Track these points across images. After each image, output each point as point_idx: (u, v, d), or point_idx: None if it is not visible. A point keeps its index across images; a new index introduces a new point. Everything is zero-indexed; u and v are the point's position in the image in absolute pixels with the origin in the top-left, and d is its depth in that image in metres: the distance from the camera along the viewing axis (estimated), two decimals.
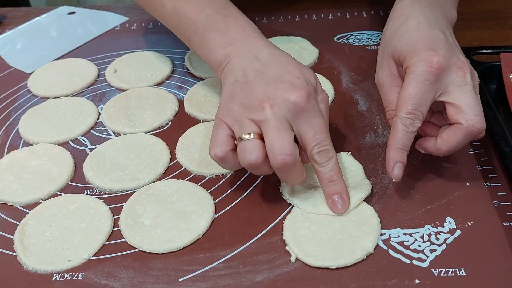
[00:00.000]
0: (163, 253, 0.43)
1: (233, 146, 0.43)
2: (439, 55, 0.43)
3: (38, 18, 0.78)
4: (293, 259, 0.41)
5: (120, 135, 0.55)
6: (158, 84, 0.63)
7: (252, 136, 0.41)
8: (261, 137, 0.42)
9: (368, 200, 0.45)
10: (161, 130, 0.56)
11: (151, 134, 0.55)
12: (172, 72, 0.65)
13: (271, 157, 0.41)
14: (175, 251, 0.43)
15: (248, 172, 0.50)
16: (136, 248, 0.43)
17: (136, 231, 0.44)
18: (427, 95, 0.43)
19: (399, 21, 0.47)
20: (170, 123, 0.57)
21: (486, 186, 0.46)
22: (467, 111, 0.43)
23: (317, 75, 0.55)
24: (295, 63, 0.46)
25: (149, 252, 0.43)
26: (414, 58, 0.44)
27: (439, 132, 0.46)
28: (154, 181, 0.49)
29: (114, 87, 0.63)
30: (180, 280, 0.41)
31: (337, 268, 0.40)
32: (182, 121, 0.57)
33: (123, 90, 0.62)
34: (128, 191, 0.48)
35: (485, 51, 0.59)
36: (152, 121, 0.56)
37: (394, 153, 0.44)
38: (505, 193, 0.45)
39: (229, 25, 0.49)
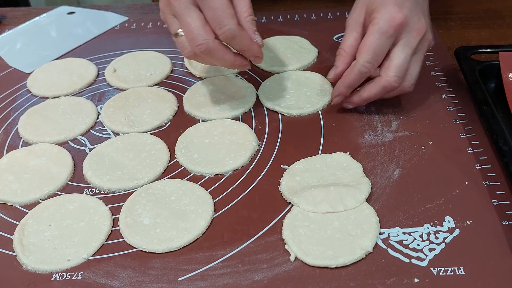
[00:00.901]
0: (162, 253, 0.43)
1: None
2: (402, 13, 0.48)
3: (37, 18, 0.78)
4: (292, 258, 0.42)
5: (119, 134, 0.55)
6: (157, 84, 0.63)
7: (181, 32, 0.48)
8: None
9: (367, 199, 0.45)
10: (160, 129, 0.56)
11: (150, 133, 0.55)
12: (172, 71, 0.65)
13: (192, 48, 0.47)
14: (174, 251, 0.43)
15: (248, 172, 0.50)
16: (135, 248, 0.43)
17: (135, 230, 0.44)
18: (384, 47, 0.49)
19: None
20: (169, 122, 0.57)
21: (485, 185, 0.46)
22: (392, 69, 0.49)
23: (318, 75, 0.61)
24: None
25: (148, 252, 0.43)
26: (382, 11, 0.49)
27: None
28: (153, 181, 0.49)
29: (113, 86, 0.63)
30: (179, 279, 0.41)
31: (336, 267, 0.40)
32: (182, 120, 0.57)
33: (123, 90, 0.62)
34: (128, 190, 0.49)
35: (484, 50, 0.59)
36: (151, 120, 0.56)
37: (342, 88, 0.52)
38: (504, 192, 0.45)
39: None
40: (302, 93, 0.58)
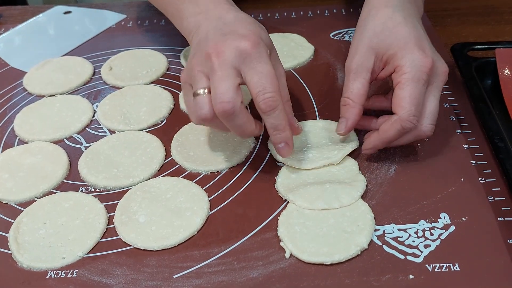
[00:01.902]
0: (157, 250, 0.43)
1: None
2: (429, 57, 0.45)
3: (35, 17, 0.78)
4: (287, 255, 0.41)
5: (115, 132, 0.55)
6: (153, 82, 0.62)
7: (204, 91, 0.43)
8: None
9: (362, 196, 0.45)
10: (156, 127, 0.56)
11: (146, 131, 0.55)
12: (168, 69, 0.64)
13: (214, 105, 0.42)
14: (169, 248, 0.43)
15: (243, 169, 0.50)
16: (130, 245, 0.43)
17: (130, 228, 0.44)
18: (422, 96, 0.44)
19: (383, 12, 0.48)
20: (165, 120, 0.57)
21: (481, 181, 0.46)
22: (428, 117, 0.45)
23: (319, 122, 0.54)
24: (256, 24, 0.46)
25: (144, 249, 0.43)
26: (408, 57, 0.45)
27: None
28: (149, 179, 0.49)
29: (109, 84, 0.63)
30: (174, 277, 0.41)
31: (332, 264, 0.40)
32: (177, 118, 0.56)
33: (119, 88, 0.61)
34: (123, 188, 0.48)
35: (480, 46, 0.59)
36: (147, 118, 0.56)
37: (378, 143, 0.47)
38: (499, 188, 0.45)
39: None
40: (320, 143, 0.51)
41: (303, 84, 0.61)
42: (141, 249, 0.43)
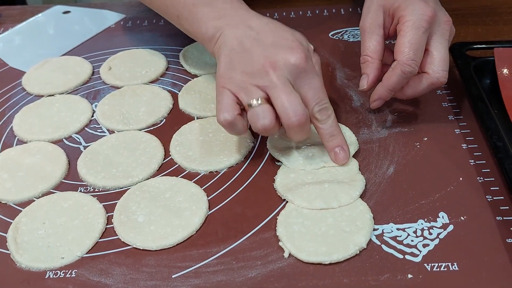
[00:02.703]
0: (156, 250, 0.43)
1: (239, 111, 0.45)
2: (431, 6, 0.47)
3: (34, 17, 0.78)
4: (286, 254, 0.41)
5: (114, 132, 0.55)
6: (152, 82, 0.62)
7: (260, 101, 0.43)
8: (268, 101, 0.44)
9: (361, 195, 0.45)
10: (155, 127, 0.56)
11: (145, 131, 0.55)
12: (167, 69, 0.64)
13: (286, 119, 0.43)
14: (168, 248, 0.43)
15: (242, 169, 0.50)
16: (129, 245, 0.43)
17: (129, 228, 0.44)
18: (423, 43, 0.47)
19: None
20: (164, 120, 0.57)
21: (479, 180, 0.46)
22: (438, 64, 0.48)
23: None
24: (286, 28, 0.48)
25: (143, 249, 0.43)
26: (410, 7, 0.47)
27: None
28: (148, 178, 0.49)
29: (108, 84, 0.63)
30: (173, 276, 0.41)
31: (330, 264, 0.40)
32: (176, 118, 0.56)
33: (118, 88, 0.61)
34: (122, 188, 0.48)
35: (479, 46, 0.59)
36: (146, 118, 0.56)
37: (383, 91, 0.49)
38: (498, 188, 0.45)
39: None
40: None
41: None
42: (140, 249, 0.43)
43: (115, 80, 0.62)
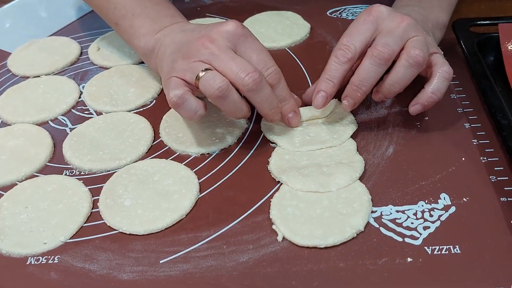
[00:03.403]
0: (143, 234, 0.41)
1: (189, 89, 0.43)
2: (382, 6, 0.45)
3: None
4: (279, 238, 0.40)
5: (102, 114, 0.53)
6: (142, 62, 0.60)
7: (208, 70, 0.42)
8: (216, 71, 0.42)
9: (359, 177, 0.43)
10: (144, 108, 0.54)
11: (134, 112, 0.53)
12: None
13: (239, 82, 0.41)
14: (156, 232, 0.41)
15: (235, 151, 0.48)
16: (115, 230, 0.41)
17: (115, 212, 0.42)
18: (362, 31, 0.44)
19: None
20: (154, 101, 0.54)
21: (483, 160, 0.44)
22: (377, 40, 0.44)
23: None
24: None
25: (129, 234, 0.41)
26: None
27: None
28: (136, 161, 0.47)
29: (97, 65, 0.60)
30: (161, 261, 0.39)
31: (326, 247, 0.38)
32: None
33: (106, 68, 0.59)
34: (109, 171, 0.46)
35: (483, 22, 0.56)
36: (135, 99, 0.54)
37: (320, 82, 0.45)
38: (502, 168, 0.43)
39: (159, 13, 0.50)
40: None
41: (299, 62, 0.58)
42: (126, 234, 0.41)
43: (103, 61, 0.60)
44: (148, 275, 0.38)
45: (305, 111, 0.48)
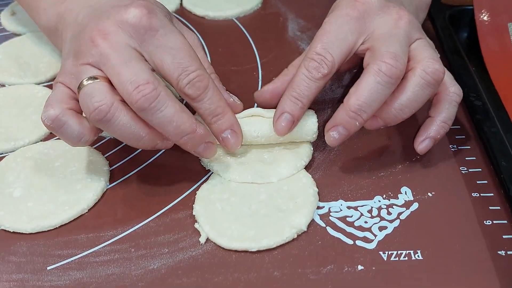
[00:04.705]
0: (31, 233, 0.33)
1: (73, 105, 0.32)
2: None
3: None
4: (202, 239, 0.32)
5: (4, 86, 0.44)
6: None
7: (92, 80, 0.31)
8: (108, 80, 0.31)
9: (305, 166, 0.36)
10: None
11: (44, 85, 0.44)
12: None
13: (127, 97, 0.30)
14: (48, 231, 0.33)
15: None
16: None
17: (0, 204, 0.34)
18: (345, 34, 0.34)
19: None
20: None
21: (452, 149, 0.37)
22: (380, 49, 0.33)
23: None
24: None
25: (13, 232, 0.33)
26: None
27: None
28: (37, 142, 0.38)
29: (9, 31, 0.51)
30: (48, 268, 0.31)
31: (258, 251, 0.31)
32: None
33: (20, 35, 0.50)
34: (2, 154, 0.38)
35: None
36: (48, 70, 0.45)
37: (285, 101, 0.34)
38: (474, 158, 0.36)
39: None
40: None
41: (247, 35, 0.51)
42: (9, 232, 0.33)
43: (17, 27, 0.51)
44: (30, 285, 0.30)
45: (251, 129, 0.36)
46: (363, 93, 0.32)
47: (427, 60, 0.33)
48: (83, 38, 0.32)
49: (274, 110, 0.36)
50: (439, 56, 0.34)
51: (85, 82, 0.31)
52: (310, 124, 0.36)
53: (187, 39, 0.33)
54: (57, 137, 0.39)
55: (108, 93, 0.31)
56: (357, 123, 0.33)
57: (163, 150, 0.38)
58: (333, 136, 0.33)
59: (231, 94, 0.37)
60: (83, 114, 0.32)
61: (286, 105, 0.34)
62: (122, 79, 0.30)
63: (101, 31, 0.31)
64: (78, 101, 0.32)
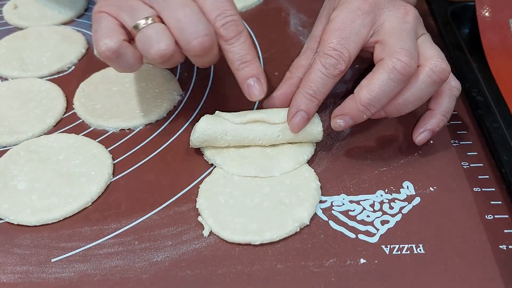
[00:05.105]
0: (36, 226, 0.33)
1: (126, 36, 0.33)
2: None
3: None
4: (205, 232, 0.32)
5: (8, 80, 0.44)
6: (66, 23, 0.51)
7: (150, 20, 0.32)
8: (161, 20, 0.33)
9: (308, 160, 0.36)
10: (60, 75, 0.45)
11: (46, 79, 0.44)
12: (86, 9, 0.53)
13: (185, 43, 0.32)
14: (52, 223, 0.33)
15: (163, 127, 0.40)
16: (1, 219, 0.33)
17: (4, 197, 0.34)
18: (358, 28, 0.34)
19: None
20: (73, 67, 0.46)
21: (454, 144, 0.37)
22: (394, 45, 0.33)
23: None
24: None
25: (17, 224, 0.33)
26: None
27: None
28: (40, 136, 0.39)
29: (12, 25, 0.51)
30: (52, 260, 0.31)
31: (261, 245, 0.31)
32: (88, 65, 0.46)
33: (22, 29, 0.50)
34: (5, 147, 0.38)
35: None
36: (50, 64, 0.45)
37: (301, 99, 0.34)
38: (476, 153, 0.36)
39: None
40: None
41: (249, 29, 0.50)
42: (14, 224, 0.33)
43: (19, 20, 0.51)
44: (34, 277, 0.30)
45: (255, 137, 0.36)
46: (375, 88, 0.32)
47: (435, 59, 0.33)
48: None
49: (276, 111, 0.36)
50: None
51: (143, 23, 0.32)
52: (316, 134, 0.36)
53: None
54: (60, 131, 0.39)
55: (169, 36, 0.32)
56: (365, 116, 0.33)
57: (167, 143, 0.38)
58: (339, 123, 0.34)
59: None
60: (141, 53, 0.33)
61: (302, 103, 0.34)
62: (183, 24, 0.32)
63: None
64: (127, 35, 0.33)
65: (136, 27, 0.32)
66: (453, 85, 0.36)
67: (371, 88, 0.32)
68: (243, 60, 0.34)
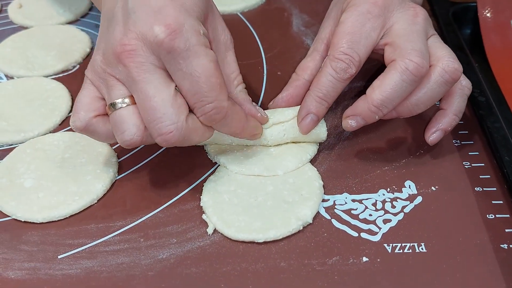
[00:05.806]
0: (42, 223, 0.33)
1: (101, 111, 0.32)
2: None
3: None
4: (210, 230, 0.32)
5: (13, 79, 0.44)
6: (71, 22, 0.52)
7: (126, 102, 0.30)
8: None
9: (311, 160, 0.36)
10: (65, 74, 0.45)
11: (52, 78, 0.44)
12: (90, 9, 0.54)
13: (152, 135, 0.30)
14: (58, 220, 0.33)
15: None
16: (8, 216, 0.33)
17: (11, 194, 0.34)
18: (368, 32, 0.34)
19: None
20: (78, 66, 0.46)
21: (455, 144, 0.38)
22: (405, 46, 0.33)
23: None
24: None
25: (24, 221, 0.33)
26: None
27: None
28: (46, 134, 0.39)
29: (16, 24, 0.52)
30: (59, 257, 0.31)
31: (265, 243, 0.32)
32: None
33: (27, 28, 0.51)
34: (12, 145, 0.38)
35: None
36: (55, 63, 0.46)
37: (311, 102, 0.35)
38: (477, 153, 0.37)
39: None
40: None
41: (252, 29, 0.51)
42: (21, 221, 0.33)
43: (24, 20, 0.52)
44: (41, 273, 0.30)
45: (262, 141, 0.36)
46: (387, 89, 0.33)
47: (447, 59, 0.34)
48: (110, 42, 0.30)
49: (280, 110, 0.37)
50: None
51: (118, 104, 0.30)
52: (320, 134, 0.36)
53: (220, 40, 0.33)
54: (66, 129, 0.40)
55: (139, 124, 0.30)
56: (377, 116, 0.34)
57: None
58: (350, 124, 0.35)
59: (257, 107, 0.36)
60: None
61: (312, 106, 0.35)
62: (150, 113, 0.29)
63: (125, 46, 0.29)
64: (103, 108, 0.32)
65: (111, 106, 0.31)
66: (464, 84, 0.36)
67: (383, 89, 0.33)
68: (232, 134, 0.34)
